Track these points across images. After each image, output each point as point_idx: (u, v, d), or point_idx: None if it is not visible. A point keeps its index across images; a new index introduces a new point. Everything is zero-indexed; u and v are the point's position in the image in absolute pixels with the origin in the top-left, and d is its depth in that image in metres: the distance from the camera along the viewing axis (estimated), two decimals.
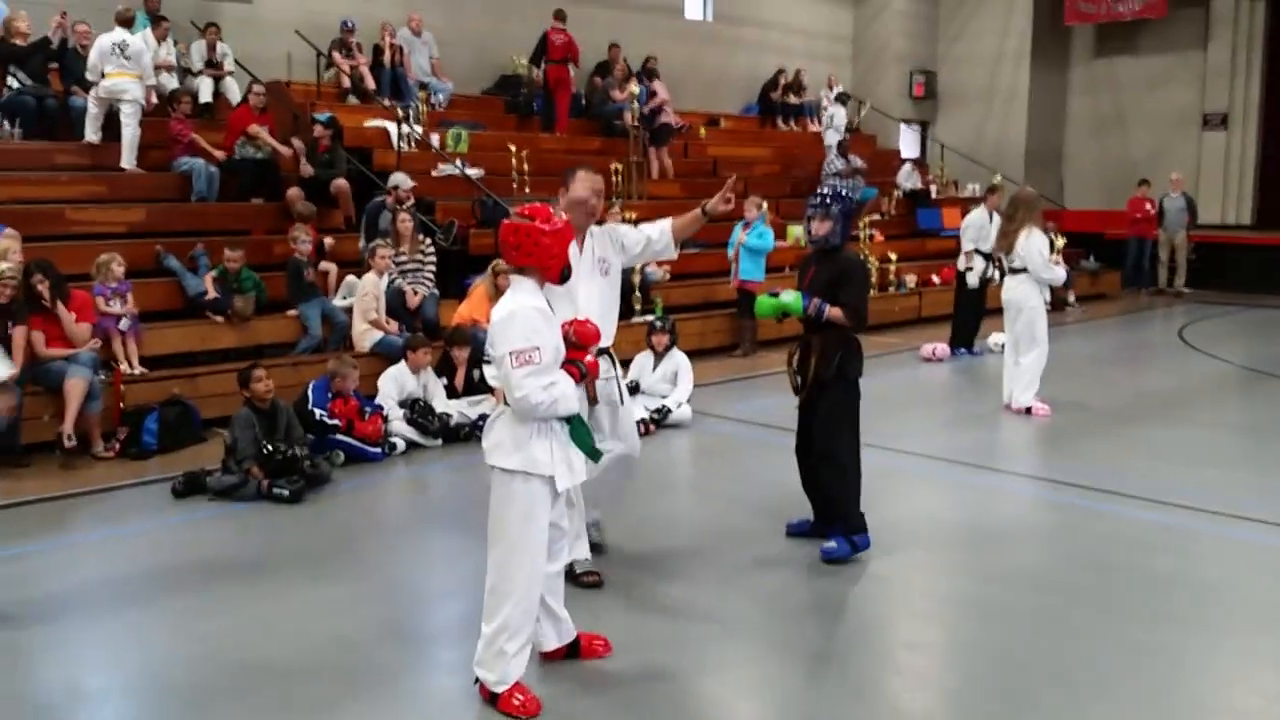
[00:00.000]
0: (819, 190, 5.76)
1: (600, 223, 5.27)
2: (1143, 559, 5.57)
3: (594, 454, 4.11)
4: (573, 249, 4.87)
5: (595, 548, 5.40)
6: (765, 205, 12.19)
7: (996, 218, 11.04)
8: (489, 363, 3.98)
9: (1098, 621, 4.80)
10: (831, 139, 17.78)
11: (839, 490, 5.56)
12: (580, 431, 4.03)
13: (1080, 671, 4.31)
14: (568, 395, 3.89)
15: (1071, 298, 15.97)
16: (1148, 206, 17.79)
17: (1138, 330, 14.75)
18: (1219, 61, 19.60)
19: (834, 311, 5.44)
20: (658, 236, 5.28)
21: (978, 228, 11.61)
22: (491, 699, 3.96)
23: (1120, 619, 4.82)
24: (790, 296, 5.54)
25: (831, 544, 5.52)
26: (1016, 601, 5.04)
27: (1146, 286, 18.14)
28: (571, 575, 4.95)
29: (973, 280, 11.72)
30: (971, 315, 12.05)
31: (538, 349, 3.80)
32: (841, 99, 18.46)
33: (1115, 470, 7.24)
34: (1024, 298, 9.01)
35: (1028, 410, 8.93)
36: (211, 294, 9.03)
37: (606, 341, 4.95)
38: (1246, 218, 19.59)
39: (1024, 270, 8.96)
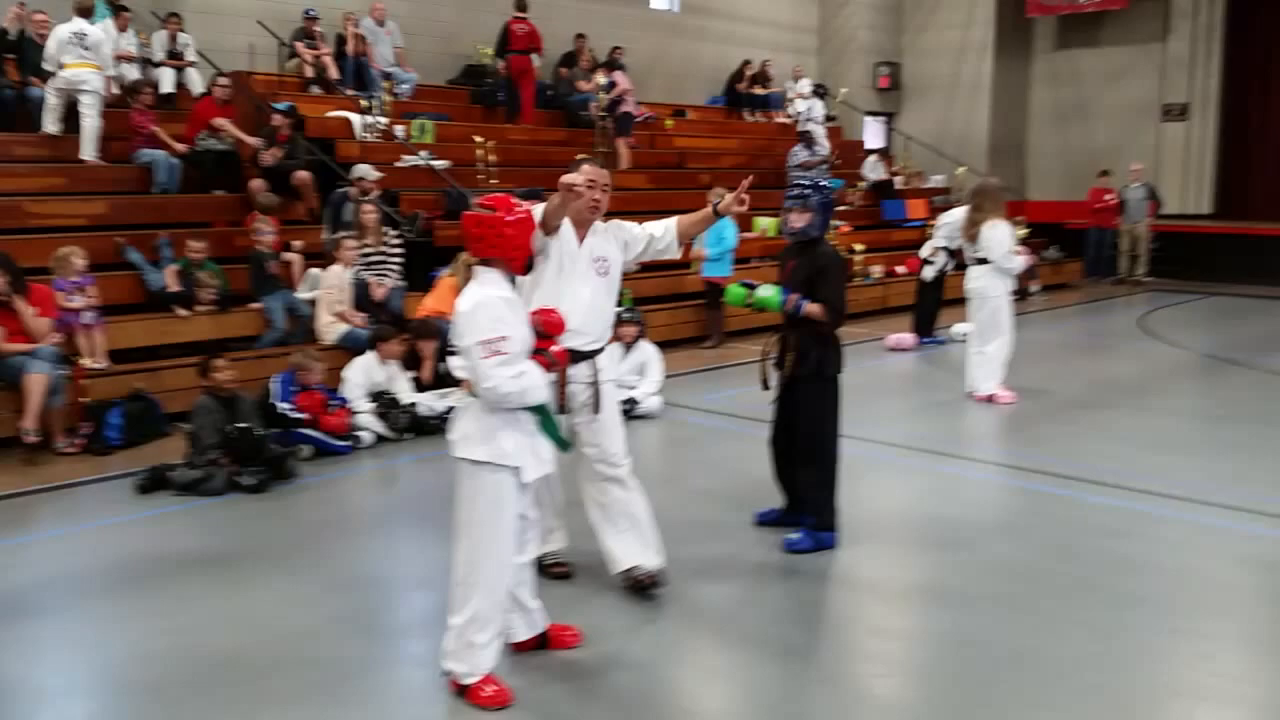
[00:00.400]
0: (797, 182, 5.71)
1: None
2: (1105, 543, 5.65)
3: (562, 444, 4.10)
4: (571, 243, 4.84)
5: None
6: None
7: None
8: (456, 354, 3.92)
9: (1061, 606, 4.86)
10: (814, 130, 17.92)
11: (816, 490, 5.56)
12: (548, 422, 4.03)
13: (1044, 655, 4.37)
14: (537, 385, 3.88)
15: (1035, 286, 16.12)
16: (1108, 196, 18.00)
17: (1099, 318, 14.92)
18: (1179, 53, 19.84)
19: (812, 308, 5.40)
20: (661, 234, 5.09)
21: (954, 226, 11.25)
22: (461, 691, 3.97)
23: (1083, 603, 4.89)
24: (768, 291, 5.48)
25: (796, 535, 5.56)
26: (981, 587, 5.10)
27: (1107, 275, 18.34)
28: (541, 567, 4.94)
29: (929, 274, 11.94)
30: (931, 303, 12.18)
31: (505, 338, 3.79)
32: (819, 91, 18.54)
33: (1077, 456, 7.34)
34: (987, 288, 9.10)
35: (991, 398, 9.03)
36: (174, 287, 8.94)
37: (596, 343, 4.86)
38: (1206, 207, 19.86)
39: (987, 260, 9.04)
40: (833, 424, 5.58)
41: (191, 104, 11.60)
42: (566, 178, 4.59)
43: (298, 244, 10.03)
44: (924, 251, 12.05)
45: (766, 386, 5.64)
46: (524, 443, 3.95)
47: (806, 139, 16.76)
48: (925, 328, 12.12)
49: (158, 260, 9.22)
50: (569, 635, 4.44)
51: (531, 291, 4.72)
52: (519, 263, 3.99)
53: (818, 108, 18.38)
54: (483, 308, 3.82)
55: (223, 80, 11.32)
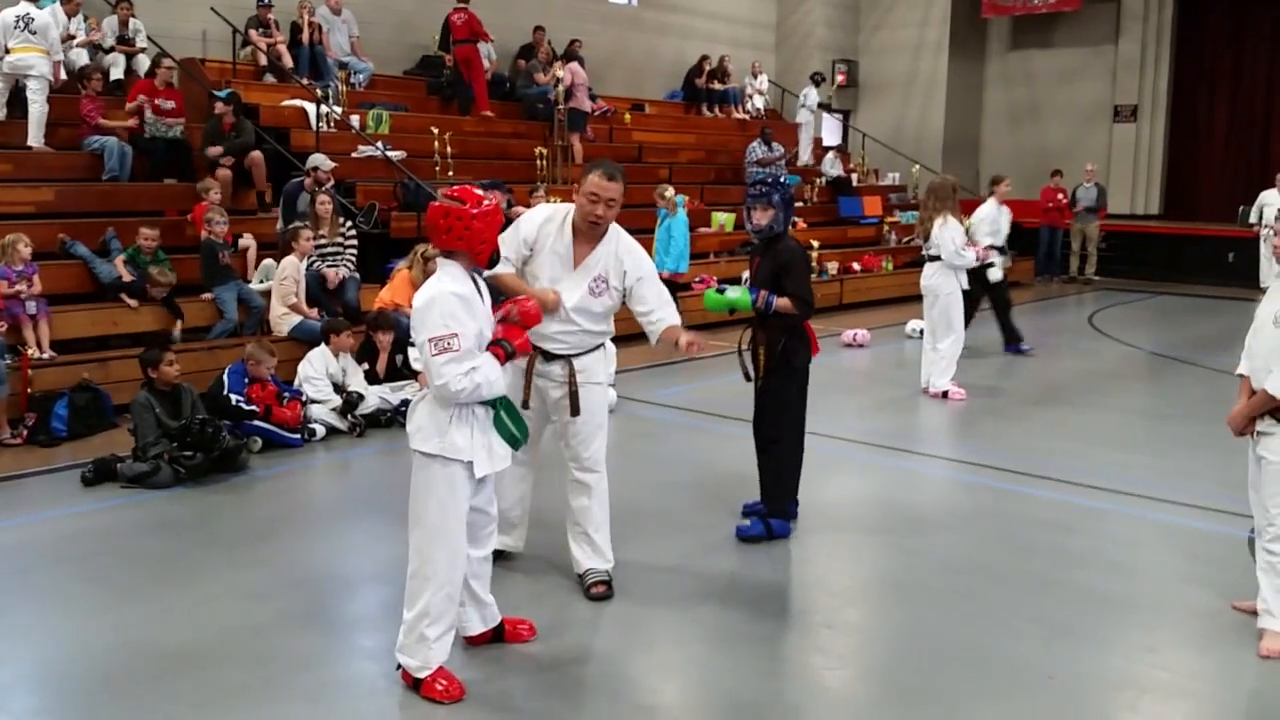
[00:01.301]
0: (758, 180, 5.76)
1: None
2: (1055, 539, 5.73)
3: (514, 441, 4.07)
4: (565, 252, 4.75)
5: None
6: (671, 192, 11.97)
7: (1005, 209, 10.94)
8: (414, 346, 3.89)
9: (1011, 600, 4.92)
10: (805, 117, 18.08)
11: (774, 478, 5.62)
12: (502, 418, 4.00)
13: (994, 648, 4.42)
14: (491, 380, 3.85)
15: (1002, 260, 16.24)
16: (1060, 196, 18.23)
17: (1050, 316, 15.11)
18: (1129, 55, 20.17)
19: (782, 302, 5.45)
20: (653, 322, 4.84)
21: (991, 221, 11.15)
22: (414, 685, 3.94)
23: (1033, 597, 4.95)
24: (737, 293, 5.54)
25: (748, 523, 5.61)
26: (934, 581, 5.15)
27: (1058, 274, 18.59)
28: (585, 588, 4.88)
29: (995, 275, 11.03)
30: (1005, 307, 11.44)
31: (455, 335, 3.76)
32: (815, 79, 18.62)
33: (1029, 453, 7.43)
34: (939, 284, 9.19)
35: (944, 394, 9.12)
36: (125, 277, 8.80)
37: (573, 349, 4.79)
38: (1155, 208, 20.20)
39: (939, 258, 9.13)
40: (796, 414, 5.64)
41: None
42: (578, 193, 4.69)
43: (246, 236, 9.90)
44: (974, 258, 10.23)
45: (749, 378, 5.66)
46: (478, 437, 3.92)
47: (765, 135, 16.84)
48: (1012, 334, 11.46)
49: (106, 252, 9.06)
50: (523, 628, 4.42)
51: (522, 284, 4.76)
52: (484, 256, 3.96)
53: (813, 95, 18.47)
54: (436, 304, 3.80)
55: (167, 61, 11.14)
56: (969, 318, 10.65)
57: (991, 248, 10.90)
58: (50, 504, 6.21)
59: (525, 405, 4.73)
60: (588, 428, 4.85)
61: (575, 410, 4.78)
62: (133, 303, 8.75)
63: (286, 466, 7.04)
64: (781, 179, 5.73)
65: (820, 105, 18.66)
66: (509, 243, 4.76)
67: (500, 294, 4.54)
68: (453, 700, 3.87)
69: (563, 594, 4.91)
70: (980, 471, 7.11)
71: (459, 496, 3.92)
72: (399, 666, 4.01)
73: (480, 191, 3.99)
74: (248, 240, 9.73)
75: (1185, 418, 8.72)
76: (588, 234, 4.76)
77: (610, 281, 4.78)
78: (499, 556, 4.79)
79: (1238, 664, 4.35)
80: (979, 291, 10.72)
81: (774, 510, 5.61)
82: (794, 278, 5.50)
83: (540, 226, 4.81)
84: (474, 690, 3.95)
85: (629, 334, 5.62)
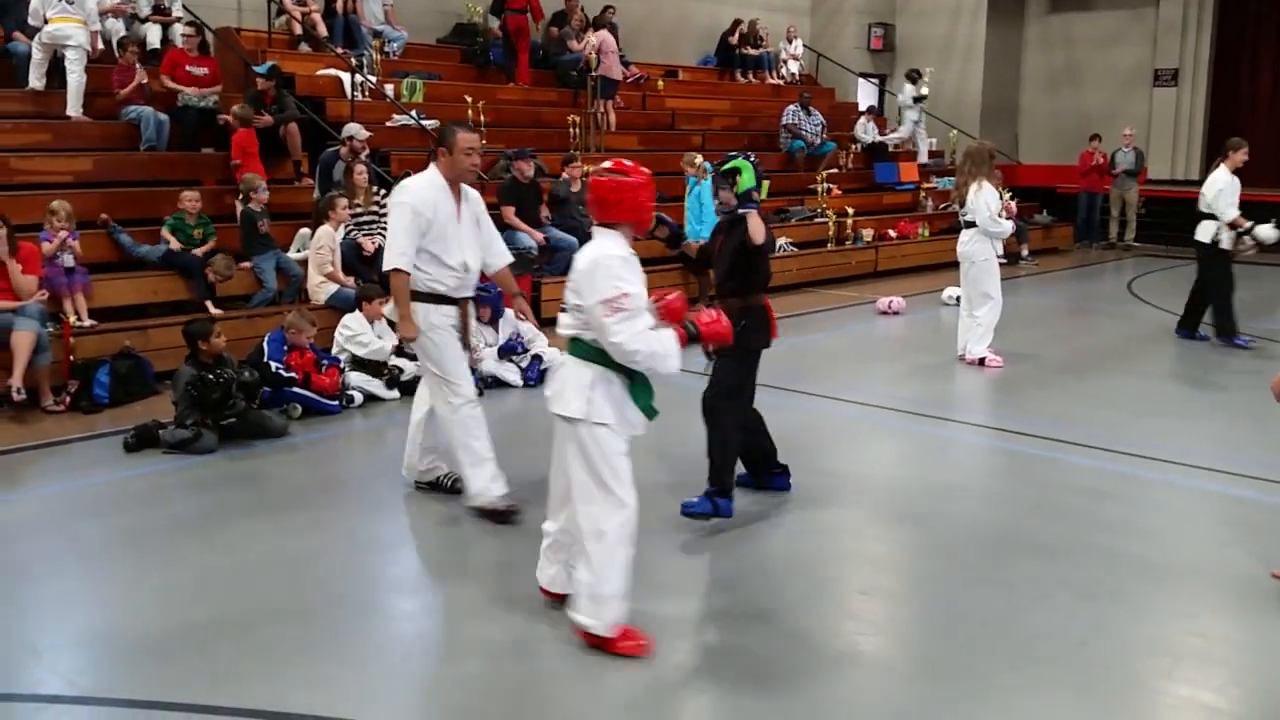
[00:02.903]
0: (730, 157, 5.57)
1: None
2: (1090, 505, 5.70)
3: (650, 412, 4.09)
4: (451, 208, 5.37)
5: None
6: (700, 159, 11.89)
7: (1236, 179, 9.83)
8: (564, 312, 3.91)
9: (1045, 566, 4.91)
10: (913, 116, 18.23)
11: (719, 455, 5.49)
12: (640, 389, 4.05)
13: (1027, 615, 4.42)
14: (669, 354, 3.91)
15: (1025, 251, 16.14)
16: (1099, 159, 17.97)
17: (1089, 283, 14.95)
18: (1170, 18, 19.77)
19: (754, 223, 5.28)
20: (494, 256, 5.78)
21: (1232, 190, 9.83)
22: (601, 643, 4.00)
23: (1067, 564, 4.94)
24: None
25: (695, 499, 5.47)
26: (967, 548, 5.15)
27: (1097, 240, 18.36)
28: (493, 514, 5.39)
29: (1264, 234, 9.81)
30: (1227, 289, 10.12)
31: (626, 295, 3.84)
32: (911, 75, 18.45)
33: (1065, 420, 7.38)
34: (975, 251, 9.11)
35: (981, 361, 9.06)
36: (175, 246, 8.88)
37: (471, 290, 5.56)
38: (1195, 173, 19.84)
39: (975, 224, 9.05)
40: (741, 394, 5.51)
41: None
42: (460, 152, 5.35)
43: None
44: (1207, 234, 9.81)
45: (710, 356, 5.52)
46: (615, 403, 3.98)
47: (804, 101, 16.68)
48: (1229, 323, 10.08)
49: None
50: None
51: (415, 248, 5.29)
52: (646, 223, 4.18)
53: (909, 91, 18.29)
54: (600, 266, 3.89)
55: (189, 29, 11.19)
56: (1225, 297, 10.01)
57: (1233, 225, 9.82)
58: (93, 469, 6.32)
59: (465, 346, 5.55)
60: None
61: (467, 345, 5.61)
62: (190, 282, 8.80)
63: (325, 433, 7.11)
64: (751, 157, 5.56)
65: (916, 100, 18.39)
66: (409, 233, 5.26)
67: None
68: (644, 654, 3.95)
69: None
70: (1016, 439, 7.07)
71: (609, 452, 3.95)
72: (580, 626, 4.04)
73: (628, 163, 4.14)
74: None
75: (1224, 385, 8.63)
76: (457, 190, 5.44)
77: (480, 216, 5.60)
78: None
79: (1275, 632, 4.33)
80: (1224, 269, 9.94)
81: (721, 488, 5.47)
82: (760, 255, 5.41)
83: (430, 201, 5.31)
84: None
85: None
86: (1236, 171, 9.90)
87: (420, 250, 5.32)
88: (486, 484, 5.44)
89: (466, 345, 5.62)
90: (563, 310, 4.08)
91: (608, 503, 3.97)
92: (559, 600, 4.32)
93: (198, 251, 8.92)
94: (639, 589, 4.58)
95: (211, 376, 6.68)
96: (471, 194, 5.60)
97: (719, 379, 5.45)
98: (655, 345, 3.88)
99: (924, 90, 18.24)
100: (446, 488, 5.81)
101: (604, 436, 3.95)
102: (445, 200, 5.38)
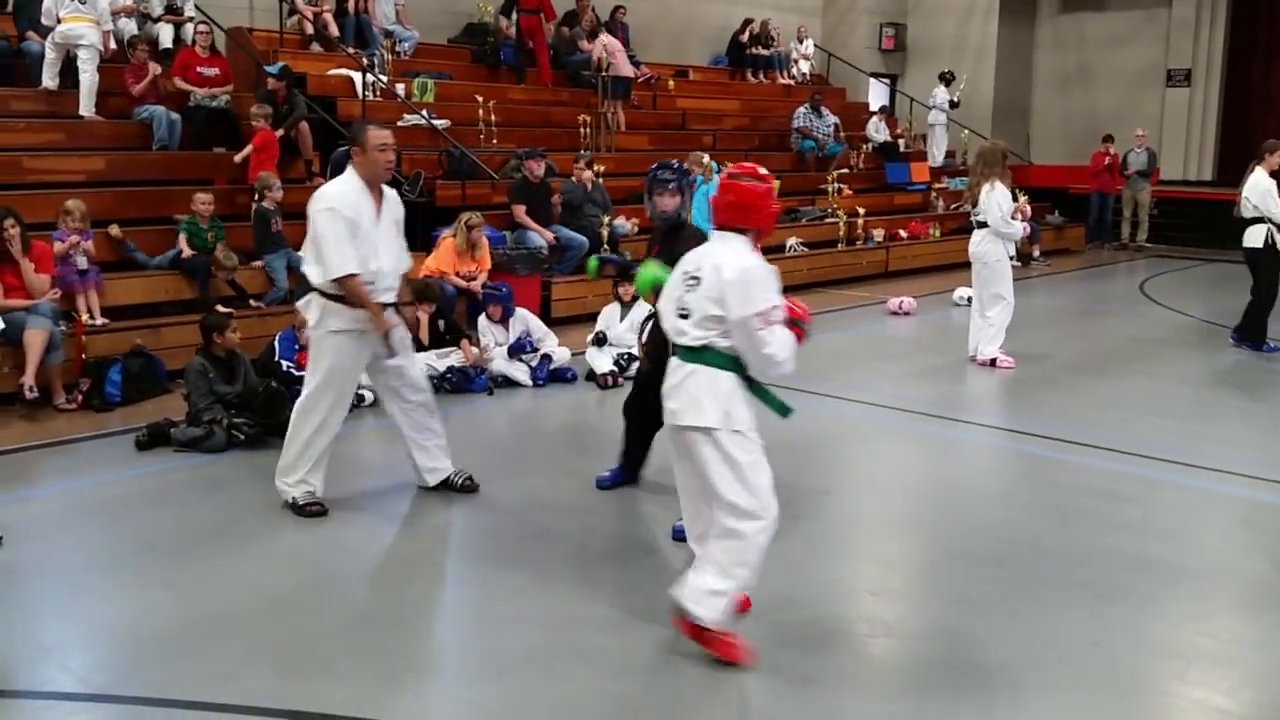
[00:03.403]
0: (664, 166, 5.55)
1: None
2: (1103, 507, 5.68)
3: (784, 410, 4.06)
4: (371, 210, 5.31)
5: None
6: (708, 159, 11.85)
7: (1274, 182, 9.65)
8: (686, 317, 3.97)
9: (1058, 567, 4.89)
10: (936, 118, 18.27)
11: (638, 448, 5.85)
12: (764, 390, 4.03)
13: (1040, 616, 4.40)
14: (789, 360, 3.91)
15: (1036, 252, 16.10)
16: (1110, 159, 17.91)
17: (1101, 284, 14.91)
18: (1183, 18, 19.70)
19: None
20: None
21: (1274, 191, 9.65)
22: (699, 635, 3.96)
23: (1080, 565, 4.92)
24: (656, 268, 5.02)
25: (606, 473, 5.90)
26: (979, 549, 5.13)
27: (1109, 241, 18.30)
28: (296, 507, 5.44)
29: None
30: (1271, 297, 9.83)
31: (776, 306, 3.85)
32: (944, 77, 18.47)
33: (1077, 420, 7.35)
34: (987, 252, 9.08)
35: (992, 362, 9.04)
36: (186, 253, 8.89)
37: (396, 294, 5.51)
38: (1208, 173, 19.79)
39: (987, 224, 9.02)
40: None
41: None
42: (374, 150, 5.30)
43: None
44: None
45: (646, 364, 5.47)
46: (749, 407, 3.98)
47: (814, 102, 16.66)
48: (1260, 329, 9.89)
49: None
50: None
51: (338, 248, 5.19)
52: (767, 234, 4.13)
53: (941, 94, 18.28)
54: (753, 276, 3.84)
55: (202, 28, 11.21)
56: (1266, 305, 9.76)
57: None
58: (105, 467, 6.34)
59: (390, 354, 5.46)
60: (410, 359, 5.68)
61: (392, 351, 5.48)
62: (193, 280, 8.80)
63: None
64: (686, 167, 5.54)
65: (951, 104, 18.38)
66: (342, 237, 5.18)
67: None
68: (740, 661, 3.92)
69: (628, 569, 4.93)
70: (1028, 440, 7.05)
71: (749, 459, 3.93)
72: (681, 613, 3.98)
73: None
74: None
75: (1238, 386, 8.59)
76: (376, 191, 5.37)
77: (400, 219, 5.55)
78: None
79: None
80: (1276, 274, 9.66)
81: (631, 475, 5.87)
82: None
83: (351, 204, 5.24)
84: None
85: None
86: (1273, 174, 9.76)
87: None
88: (289, 488, 5.50)
89: (390, 353, 5.48)
90: (681, 317, 4.00)
91: (747, 508, 3.92)
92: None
93: (214, 255, 8.92)
94: (652, 584, 4.58)
95: (226, 386, 6.72)
96: (390, 195, 5.52)
97: (649, 390, 5.12)
98: (789, 352, 3.89)
99: (957, 95, 18.24)
100: (457, 487, 5.81)
101: (742, 443, 3.92)
102: (365, 202, 5.30)
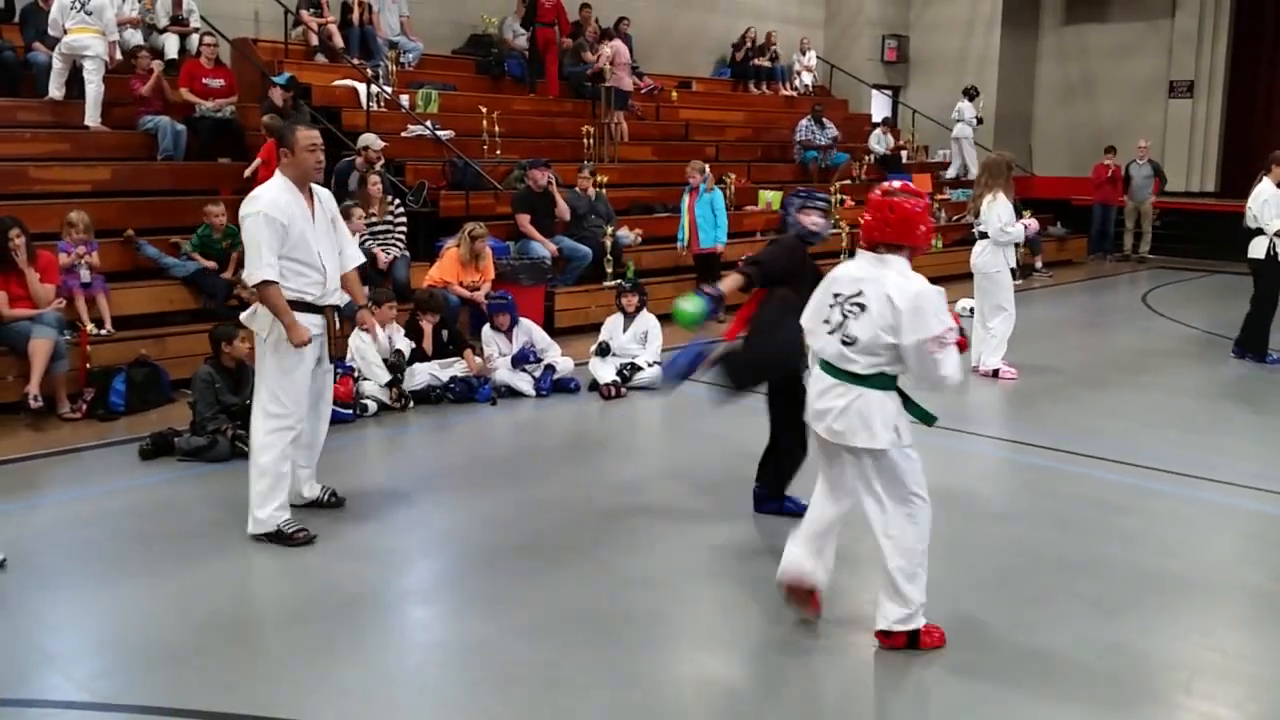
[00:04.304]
0: (815, 193, 5.67)
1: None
2: (1106, 518, 5.68)
3: (928, 419, 4.20)
4: (305, 211, 5.22)
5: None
6: (708, 169, 11.95)
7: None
8: (850, 344, 4.03)
9: (1060, 579, 4.89)
10: (962, 132, 18.38)
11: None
12: (911, 401, 4.14)
13: (1042, 627, 4.40)
14: (958, 374, 4.00)
15: (1039, 263, 16.11)
16: (1113, 171, 17.92)
17: (1103, 295, 14.91)
18: (1186, 30, 19.73)
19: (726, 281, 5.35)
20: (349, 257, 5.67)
21: (1277, 201, 9.62)
22: (906, 641, 4.13)
23: (1082, 577, 4.92)
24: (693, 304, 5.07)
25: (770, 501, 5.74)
26: (982, 559, 5.13)
27: (1111, 252, 18.31)
28: (283, 537, 5.22)
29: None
30: (1270, 308, 9.85)
31: (951, 329, 3.91)
32: (969, 93, 18.62)
33: (1080, 432, 7.35)
34: (988, 263, 9.09)
35: (995, 373, 9.04)
36: (209, 264, 8.93)
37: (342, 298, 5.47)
38: (1211, 185, 19.80)
39: (989, 235, 9.03)
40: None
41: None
42: (302, 149, 5.22)
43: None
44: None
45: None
46: (905, 422, 4.09)
47: (816, 114, 16.70)
48: (1261, 340, 9.91)
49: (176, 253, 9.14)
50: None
51: (277, 254, 5.10)
52: (921, 252, 4.15)
53: (968, 110, 18.38)
54: (930, 300, 3.90)
55: (209, 39, 11.26)
56: (1267, 315, 9.77)
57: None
58: (109, 477, 6.35)
59: (333, 360, 5.51)
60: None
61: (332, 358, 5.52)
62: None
63: (339, 441, 7.10)
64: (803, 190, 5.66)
65: (979, 120, 18.51)
66: (269, 244, 5.07)
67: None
68: (942, 644, 4.16)
69: (639, 555, 4.94)
70: (1030, 451, 7.05)
71: (914, 468, 4.10)
72: (888, 632, 4.15)
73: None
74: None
75: (1240, 398, 8.59)
76: (307, 192, 5.29)
77: (336, 217, 5.50)
78: None
79: None
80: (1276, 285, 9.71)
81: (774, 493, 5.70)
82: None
83: (282, 207, 5.13)
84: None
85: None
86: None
87: (281, 258, 5.12)
88: (271, 512, 5.24)
89: (333, 358, 5.49)
90: (845, 344, 4.03)
91: (913, 510, 4.09)
92: (805, 596, 4.37)
93: (227, 274, 8.95)
94: (659, 592, 4.59)
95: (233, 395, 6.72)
96: (323, 194, 5.43)
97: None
98: (960, 369, 4.00)
99: (979, 110, 18.33)
100: (324, 503, 5.76)
101: (909, 454, 4.08)
102: (298, 204, 5.19)
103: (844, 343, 4.02)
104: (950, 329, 3.88)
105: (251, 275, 5.12)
